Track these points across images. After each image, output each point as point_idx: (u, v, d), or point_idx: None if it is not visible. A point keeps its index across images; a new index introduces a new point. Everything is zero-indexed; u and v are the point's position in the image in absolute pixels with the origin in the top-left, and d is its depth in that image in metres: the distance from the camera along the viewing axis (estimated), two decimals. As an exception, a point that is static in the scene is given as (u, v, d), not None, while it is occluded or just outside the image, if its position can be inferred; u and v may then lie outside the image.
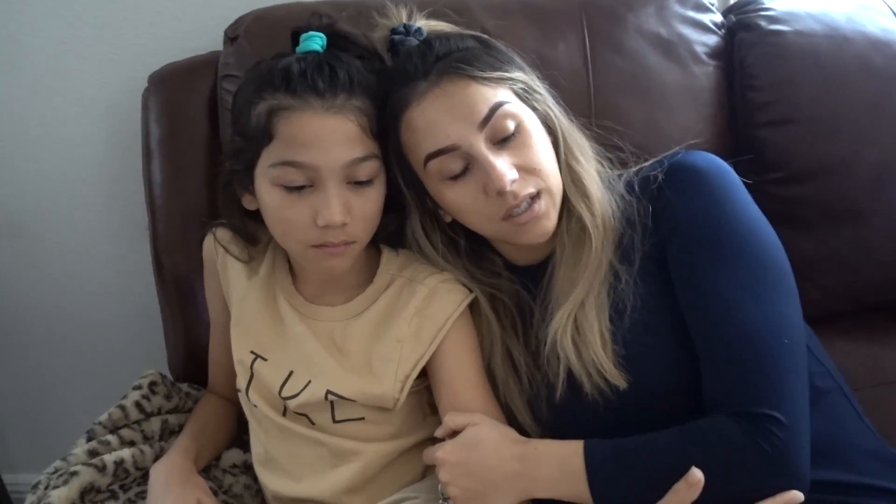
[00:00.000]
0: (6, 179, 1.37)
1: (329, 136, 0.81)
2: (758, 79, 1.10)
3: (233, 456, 1.05)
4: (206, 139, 1.16)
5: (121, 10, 1.25)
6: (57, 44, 1.27)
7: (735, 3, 1.20)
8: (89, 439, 0.98)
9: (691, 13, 1.13)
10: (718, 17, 1.15)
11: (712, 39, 1.13)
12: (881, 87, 1.10)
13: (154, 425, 1.03)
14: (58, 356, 1.54)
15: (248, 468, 1.04)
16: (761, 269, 0.80)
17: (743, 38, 1.12)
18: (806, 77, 1.08)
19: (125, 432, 1.00)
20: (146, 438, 1.02)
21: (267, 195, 0.85)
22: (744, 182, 0.86)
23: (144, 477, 0.97)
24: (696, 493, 0.73)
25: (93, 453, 0.95)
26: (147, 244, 1.18)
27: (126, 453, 0.95)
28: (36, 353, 1.54)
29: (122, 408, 1.02)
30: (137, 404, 1.03)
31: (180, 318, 1.18)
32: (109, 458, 0.93)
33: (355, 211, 0.84)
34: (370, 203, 0.86)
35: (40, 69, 1.29)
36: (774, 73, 1.09)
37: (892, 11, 1.16)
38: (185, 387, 1.13)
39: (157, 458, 0.98)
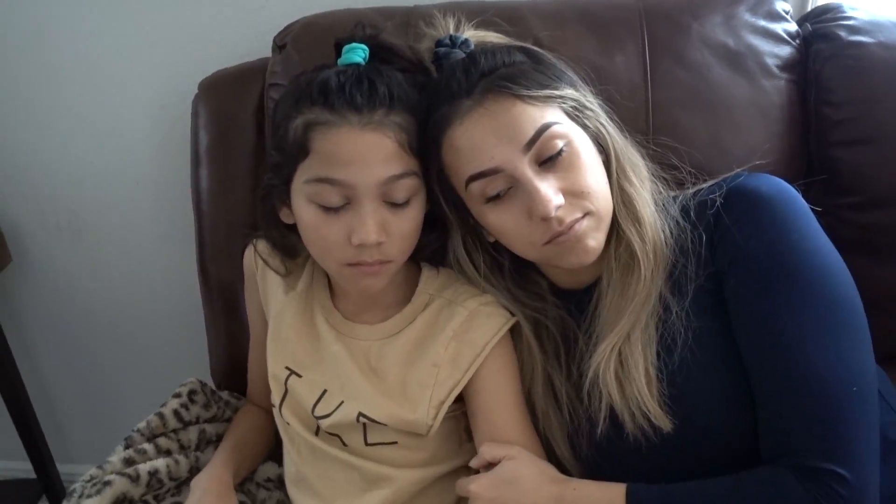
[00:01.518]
0: (70, 179, 1.41)
1: (365, 152, 0.78)
2: (835, 94, 1.01)
3: (268, 469, 1.05)
4: (253, 147, 1.14)
5: (175, 15, 1.26)
6: (115, 49, 1.29)
7: (812, 11, 1.11)
8: (127, 447, 0.98)
9: (763, 22, 1.03)
10: (793, 27, 1.06)
11: (785, 51, 1.04)
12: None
13: (191, 434, 1.03)
14: (114, 351, 1.59)
15: (282, 483, 1.02)
16: (830, 307, 0.72)
17: (820, 49, 1.03)
18: (889, 93, 0.98)
19: (162, 441, 1.00)
20: (182, 448, 1.02)
21: (303, 211, 0.83)
22: (813, 209, 0.78)
23: (178, 487, 0.98)
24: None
25: (128, 462, 0.95)
26: (193, 248, 1.18)
27: (160, 463, 0.95)
28: (95, 346, 1.59)
29: (161, 416, 1.03)
30: (176, 413, 1.03)
31: (223, 326, 1.18)
32: (144, 469, 0.94)
33: (392, 230, 0.81)
34: (408, 222, 0.83)
35: (99, 74, 1.31)
36: (854, 88, 1.00)
37: None
38: (225, 395, 1.13)
39: (191, 468, 0.98)
